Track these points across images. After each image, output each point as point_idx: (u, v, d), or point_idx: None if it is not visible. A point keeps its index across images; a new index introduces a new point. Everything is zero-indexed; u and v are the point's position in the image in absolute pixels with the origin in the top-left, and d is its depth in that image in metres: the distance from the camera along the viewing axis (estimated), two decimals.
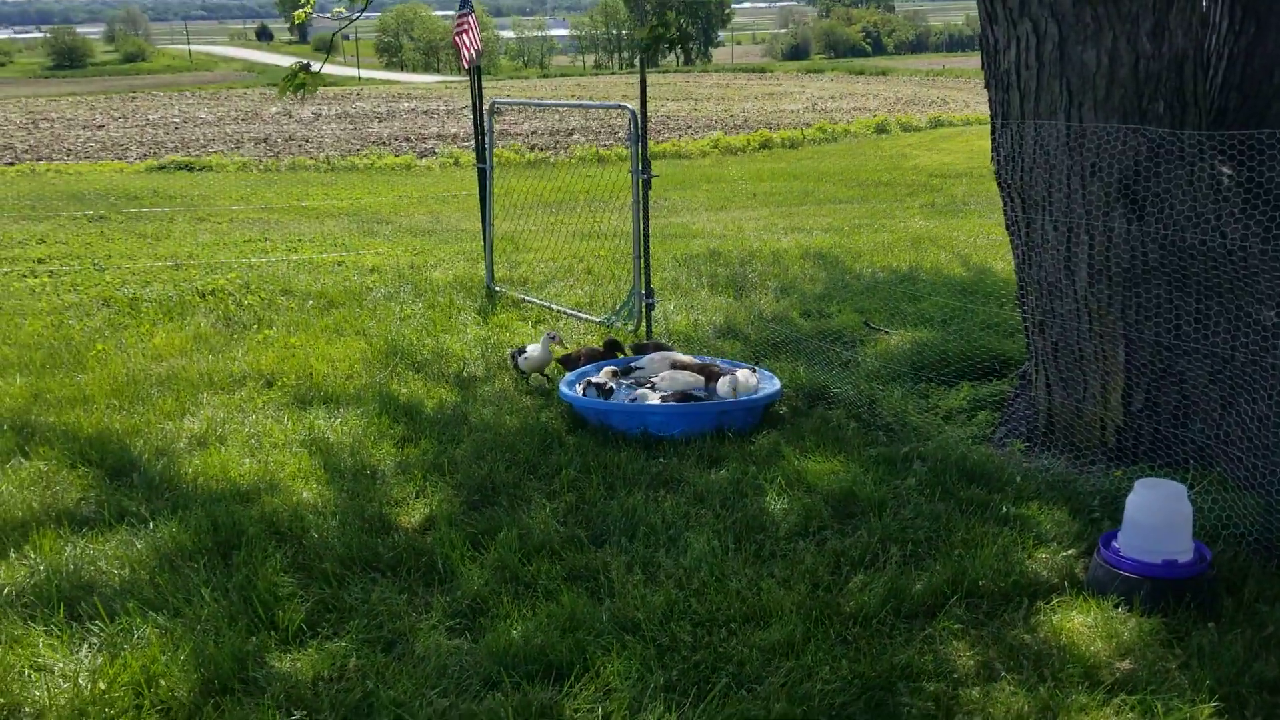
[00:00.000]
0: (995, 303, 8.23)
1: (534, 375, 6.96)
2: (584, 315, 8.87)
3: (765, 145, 25.34)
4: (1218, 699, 3.33)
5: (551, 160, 22.03)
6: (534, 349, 6.94)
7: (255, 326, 8.64)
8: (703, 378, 6.25)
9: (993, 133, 5.50)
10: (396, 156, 23.72)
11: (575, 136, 26.45)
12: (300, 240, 13.36)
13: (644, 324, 8.20)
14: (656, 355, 6.73)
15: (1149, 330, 4.99)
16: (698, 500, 5.00)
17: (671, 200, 16.52)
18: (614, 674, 3.60)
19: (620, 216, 10.37)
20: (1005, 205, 5.56)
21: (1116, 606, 3.89)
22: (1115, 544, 4.09)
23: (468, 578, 4.32)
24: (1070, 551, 4.35)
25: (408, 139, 27.64)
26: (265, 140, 27.50)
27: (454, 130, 29.43)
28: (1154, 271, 4.92)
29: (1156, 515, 3.99)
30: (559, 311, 9.06)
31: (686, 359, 6.63)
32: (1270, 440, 4.57)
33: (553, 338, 6.94)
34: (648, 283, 8.13)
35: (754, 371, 6.40)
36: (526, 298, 9.56)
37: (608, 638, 3.83)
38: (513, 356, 7.08)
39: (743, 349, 7.56)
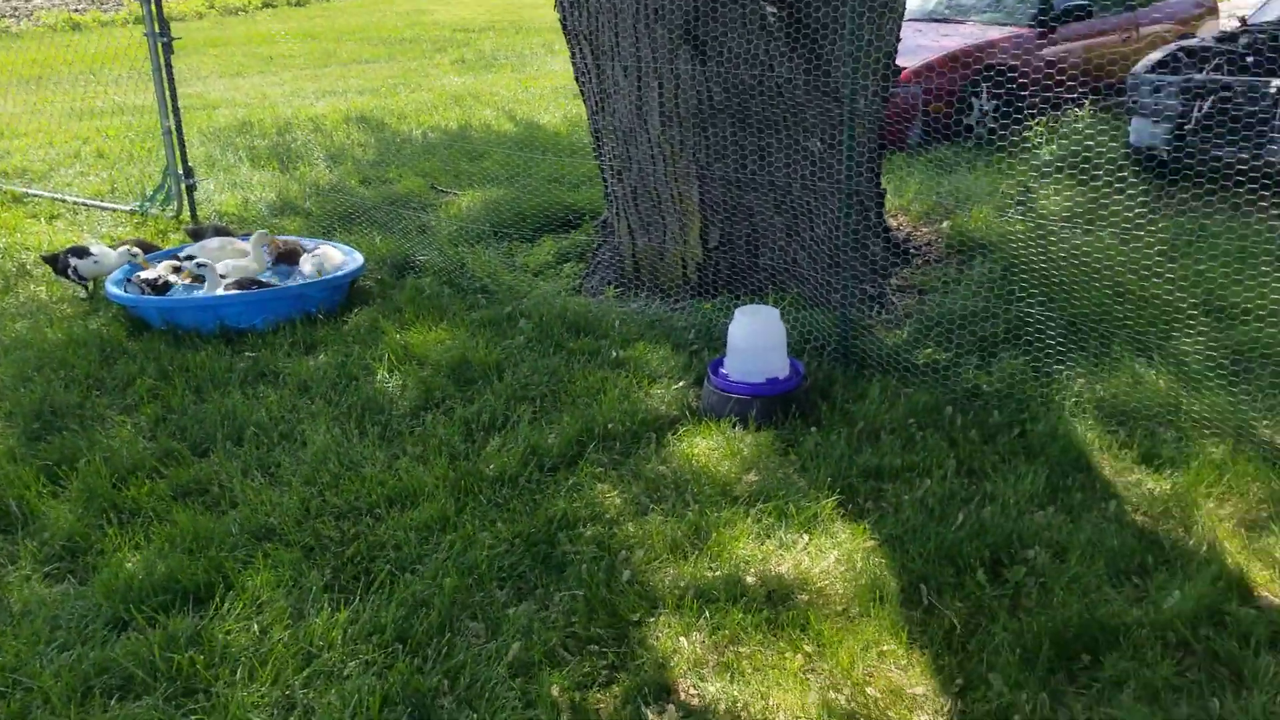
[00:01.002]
0: (554, 155, 8.35)
1: (92, 283, 5.94)
2: (109, 205, 7.80)
3: (269, 4, 23.48)
4: (836, 492, 3.72)
5: (14, 29, 18.88)
6: (102, 250, 5.89)
7: None
8: (259, 263, 5.76)
9: None
10: None
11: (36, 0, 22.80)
12: None
13: (186, 207, 7.38)
14: (214, 240, 6.09)
15: (719, 168, 5.29)
16: (303, 391, 4.66)
17: (176, 68, 14.84)
18: (263, 585, 3.30)
19: (123, 90, 9.17)
20: (574, 54, 5.56)
21: (734, 426, 4.19)
22: (723, 370, 4.39)
23: (54, 516, 3.72)
24: (681, 384, 4.60)
25: None
26: None
27: None
28: (719, 111, 5.20)
29: (756, 339, 4.32)
30: (77, 203, 7.90)
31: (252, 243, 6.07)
32: (830, 259, 5.08)
33: (134, 253, 5.88)
34: (185, 161, 7.29)
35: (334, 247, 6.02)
36: (30, 191, 8.22)
37: (244, 550, 3.50)
38: (64, 257, 5.86)
39: (306, 224, 7.07)
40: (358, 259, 5.87)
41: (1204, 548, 3.39)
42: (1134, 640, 2.97)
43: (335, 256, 5.79)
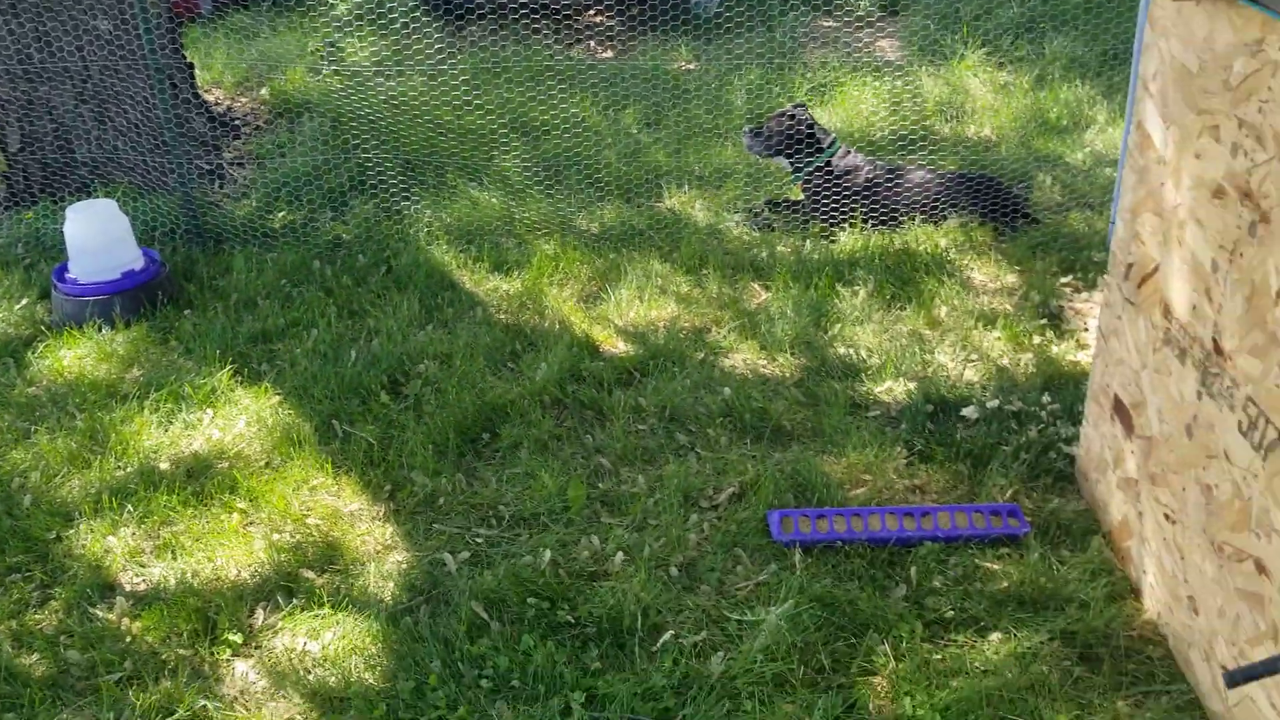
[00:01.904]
0: None
1: None
2: None
3: None
4: (228, 363, 3.73)
5: None
6: None
7: None
8: None
9: None
10: None
11: None
12: None
13: None
14: None
15: None
16: None
17: None
18: None
19: None
20: None
21: (99, 329, 3.97)
22: (69, 275, 4.09)
23: None
24: (24, 302, 4.21)
25: None
26: None
27: None
28: None
29: (98, 236, 4.08)
30: None
31: None
32: (153, 142, 4.87)
33: None
34: None
35: None
36: None
37: None
38: None
39: None
40: None
41: (557, 326, 3.98)
42: (520, 410, 3.47)
43: None
